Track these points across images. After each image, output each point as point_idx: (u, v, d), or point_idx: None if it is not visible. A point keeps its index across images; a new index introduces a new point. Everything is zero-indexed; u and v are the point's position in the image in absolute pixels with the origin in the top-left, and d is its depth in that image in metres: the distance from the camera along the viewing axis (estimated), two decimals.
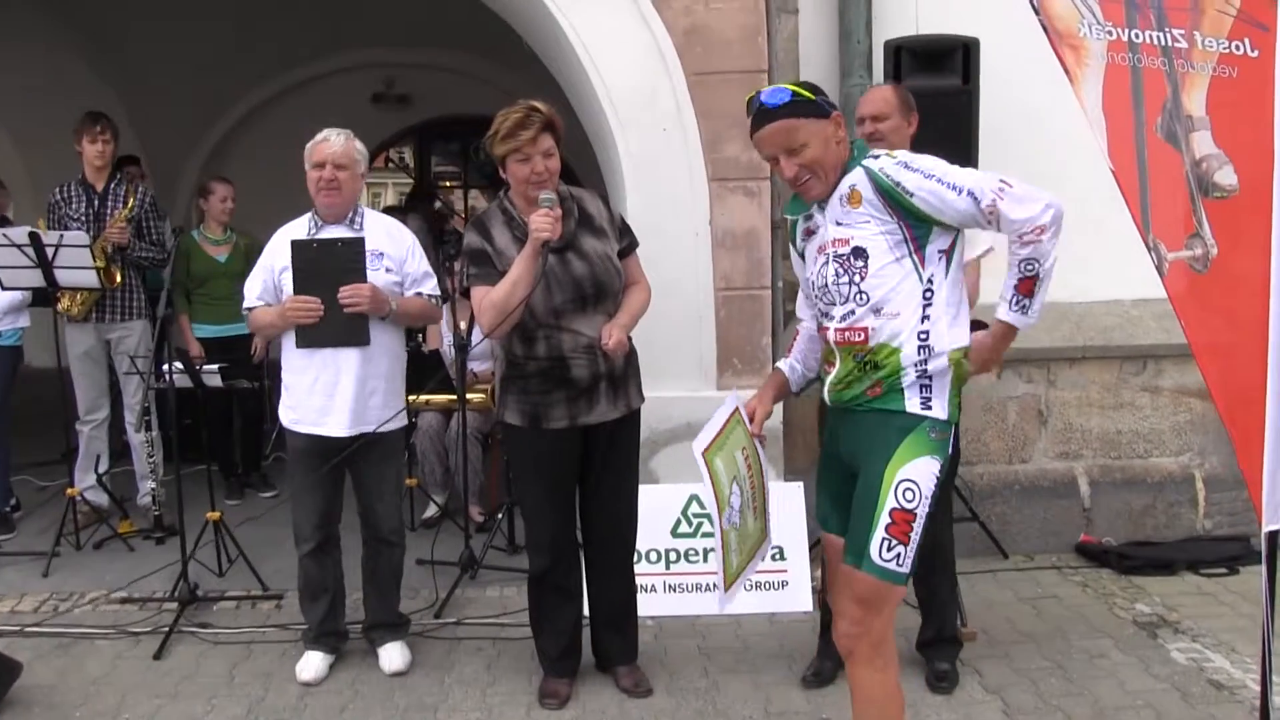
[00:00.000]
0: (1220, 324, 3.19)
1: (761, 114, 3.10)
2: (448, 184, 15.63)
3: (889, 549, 3.00)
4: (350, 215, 4.40)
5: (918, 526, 3.01)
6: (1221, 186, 3.12)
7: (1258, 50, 3.04)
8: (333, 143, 4.31)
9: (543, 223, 3.76)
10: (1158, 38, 3.17)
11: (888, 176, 3.01)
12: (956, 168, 3.01)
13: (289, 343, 4.36)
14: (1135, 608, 5.05)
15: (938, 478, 3.07)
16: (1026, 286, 2.98)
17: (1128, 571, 5.44)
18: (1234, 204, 3.12)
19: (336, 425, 4.32)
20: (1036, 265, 2.95)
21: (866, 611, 3.08)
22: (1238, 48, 3.04)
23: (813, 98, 3.08)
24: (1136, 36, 3.18)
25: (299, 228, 4.43)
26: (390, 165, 14.14)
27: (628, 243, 4.16)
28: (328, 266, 4.27)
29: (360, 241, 4.35)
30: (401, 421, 4.55)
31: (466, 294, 4.12)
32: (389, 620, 4.64)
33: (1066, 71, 3.27)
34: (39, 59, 10.25)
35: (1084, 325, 5.77)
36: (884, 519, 3.00)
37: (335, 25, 10.74)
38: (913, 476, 3.01)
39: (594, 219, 4.09)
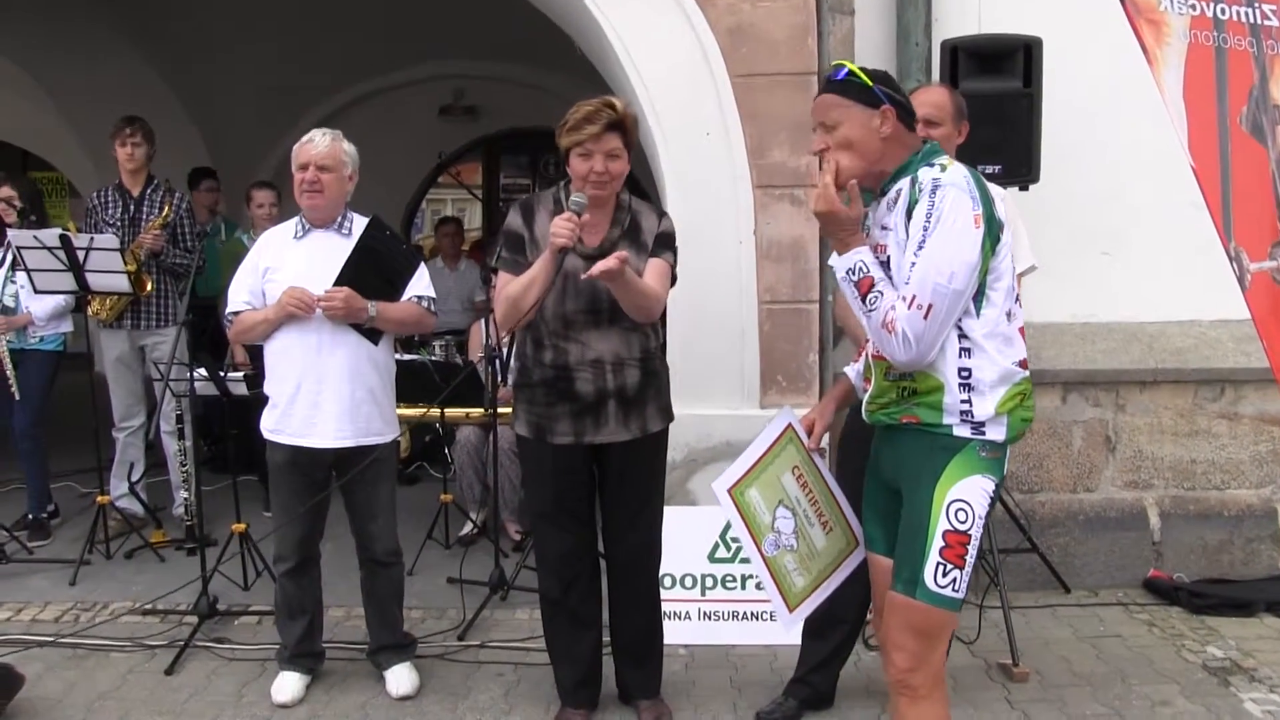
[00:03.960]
0: None
1: (824, 82, 3.01)
2: (522, 198, 15.48)
3: (944, 574, 2.82)
4: (339, 220, 4.25)
5: (972, 549, 2.84)
6: None
7: None
8: (316, 143, 4.15)
9: (561, 228, 3.54)
10: (1246, 14, 2.80)
11: (920, 190, 2.78)
12: (956, 241, 2.73)
13: (270, 350, 4.22)
14: (1206, 651, 4.67)
15: (991, 497, 2.87)
16: (866, 285, 2.85)
17: (1200, 611, 5.06)
18: None
19: (323, 436, 4.14)
20: (876, 302, 2.83)
21: (923, 643, 2.90)
22: None
23: (868, 84, 2.88)
24: (1223, 12, 2.83)
25: (285, 232, 4.31)
26: (461, 183, 14.04)
27: (655, 250, 3.86)
28: (382, 261, 4.19)
29: (418, 260, 4.35)
30: (393, 436, 4.36)
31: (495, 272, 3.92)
32: (393, 642, 4.45)
33: (1145, 52, 2.91)
34: (112, 71, 10.33)
35: (1156, 346, 5.42)
36: (937, 542, 2.81)
37: (403, 38, 10.68)
38: (964, 496, 2.82)
39: (641, 232, 3.85)
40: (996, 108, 4.69)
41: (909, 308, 2.74)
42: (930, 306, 2.72)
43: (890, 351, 2.81)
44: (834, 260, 2.92)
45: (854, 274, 2.86)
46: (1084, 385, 5.41)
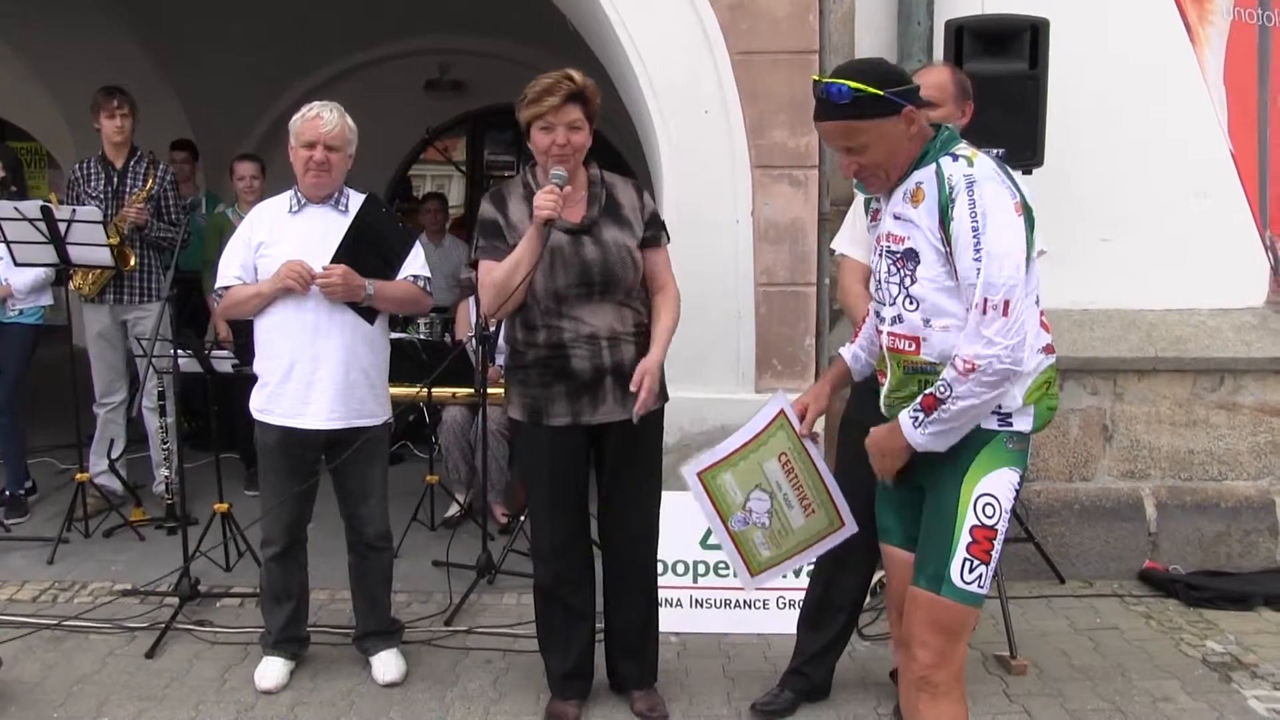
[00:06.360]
0: None
1: (822, 106, 2.78)
2: (506, 175, 15.42)
3: (970, 570, 2.77)
4: (336, 196, 4.14)
5: (998, 544, 2.80)
6: None
7: None
8: (326, 120, 4.01)
9: (545, 200, 3.48)
10: None
11: (951, 188, 2.68)
12: (1009, 233, 2.66)
13: (262, 327, 4.10)
14: (1205, 645, 4.61)
15: (1016, 490, 2.82)
16: (929, 403, 2.73)
17: (1196, 604, 5.00)
18: None
19: (316, 417, 4.03)
20: (946, 392, 2.69)
21: (947, 640, 2.85)
22: None
23: (879, 94, 2.70)
24: None
25: (279, 205, 4.18)
26: (449, 159, 13.89)
27: (652, 234, 3.79)
28: (379, 239, 4.07)
29: (414, 238, 4.23)
30: (386, 418, 4.25)
31: (475, 265, 3.82)
32: (380, 628, 4.35)
33: (1188, 29, 2.83)
34: (93, 41, 10.15)
35: (1155, 335, 5.34)
36: (964, 538, 2.77)
37: (389, 11, 10.55)
38: (992, 490, 2.78)
39: (621, 207, 3.76)
40: (1001, 90, 4.58)
41: (984, 316, 2.64)
42: (1008, 303, 2.64)
43: (995, 379, 2.67)
44: (909, 433, 2.80)
45: (925, 426, 2.76)
46: (1081, 373, 5.33)
